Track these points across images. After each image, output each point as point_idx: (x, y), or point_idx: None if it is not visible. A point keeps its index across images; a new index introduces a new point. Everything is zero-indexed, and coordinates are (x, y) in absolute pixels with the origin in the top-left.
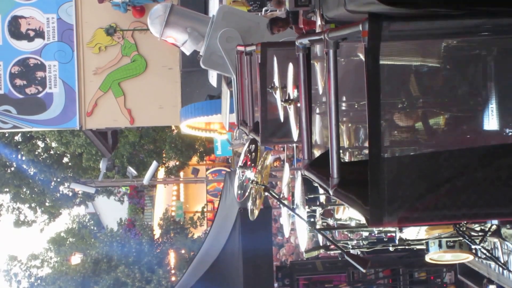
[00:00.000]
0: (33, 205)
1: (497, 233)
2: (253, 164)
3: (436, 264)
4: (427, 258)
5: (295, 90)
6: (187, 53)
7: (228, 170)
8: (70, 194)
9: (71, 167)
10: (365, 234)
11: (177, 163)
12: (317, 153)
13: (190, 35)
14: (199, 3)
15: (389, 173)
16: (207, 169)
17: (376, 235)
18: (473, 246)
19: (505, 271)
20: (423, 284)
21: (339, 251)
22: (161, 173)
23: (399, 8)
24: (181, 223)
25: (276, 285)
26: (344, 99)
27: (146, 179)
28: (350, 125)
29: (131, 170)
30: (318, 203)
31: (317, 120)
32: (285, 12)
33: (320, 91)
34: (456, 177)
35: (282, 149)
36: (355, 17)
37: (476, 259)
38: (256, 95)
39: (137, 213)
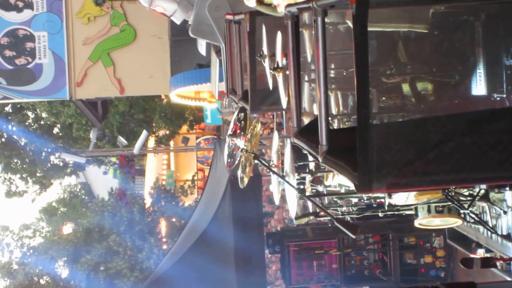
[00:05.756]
0: (24, 175)
1: (485, 198)
2: (242, 132)
3: (425, 229)
4: (416, 223)
5: (284, 58)
6: (178, 22)
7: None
8: (61, 164)
9: (61, 137)
10: (355, 200)
11: (167, 132)
12: (306, 120)
13: (180, 4)
14: None
15: (377, 139)
16: (197, 138)
17: (365, 201)
18: (461, 211)
19: (493, 235)
20: (412, 249)
21: (329, 218)
22: (151, 142)
23: None
24: (172, 191)
25: (267, 251)
26: (332, 66)
27: (136, 148)
28: (338, 92)
29: (121, 140)
30: (307, 170)
31: (306, 87)
32: None
33: (309, 59)
34: (444, 143)
35: (271, 117)
36: None
37: (465, 223)
38: (245, 64)
39: (127, 182)
